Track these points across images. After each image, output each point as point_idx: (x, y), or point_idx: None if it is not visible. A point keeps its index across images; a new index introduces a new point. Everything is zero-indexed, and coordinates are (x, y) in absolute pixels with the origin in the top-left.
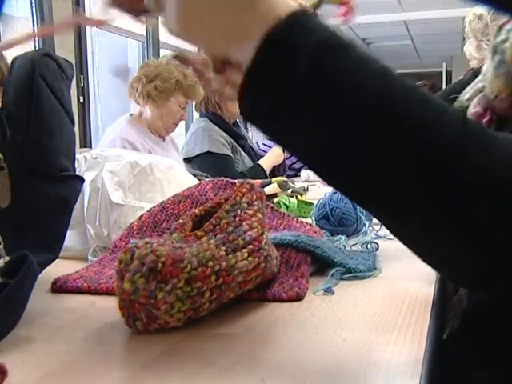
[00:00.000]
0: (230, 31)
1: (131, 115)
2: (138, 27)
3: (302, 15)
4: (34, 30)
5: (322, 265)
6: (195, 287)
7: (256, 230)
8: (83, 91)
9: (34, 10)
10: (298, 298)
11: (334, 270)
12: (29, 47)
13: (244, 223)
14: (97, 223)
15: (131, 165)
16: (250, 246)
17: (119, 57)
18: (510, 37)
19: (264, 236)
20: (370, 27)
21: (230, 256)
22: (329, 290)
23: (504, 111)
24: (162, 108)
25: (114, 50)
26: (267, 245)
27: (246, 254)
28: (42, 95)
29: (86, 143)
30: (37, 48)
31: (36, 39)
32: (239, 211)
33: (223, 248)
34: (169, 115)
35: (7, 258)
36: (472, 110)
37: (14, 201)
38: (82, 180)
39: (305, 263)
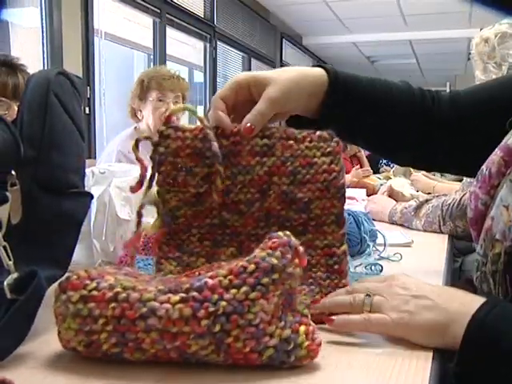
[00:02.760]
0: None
1: (135, 128)
2: (145, 39)
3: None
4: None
5: None
6: (87, 307)
7: (216, 277)
8: (89, 102)
9: (43, 20)
10: None
11: None
12: (38, 59)
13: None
14: (103, 238)
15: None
16: (193, 293)
17: (125, 68)
18: None
19: (231, 291)
20: (376, 45)
21: (151, 294)
22: None
23: None
24: (145, 111)
25: (120, 62)
26: (232, 304)
27: (177, 298)
28: (55, 113)
29: (91, 154)
30: (45, 58)
31: (44, 50)
32: None
33: (160, 286)
34: (154, 113)
35: (16, 275)
36: None
37: (24, 216)
38: (91, 196)
39: None
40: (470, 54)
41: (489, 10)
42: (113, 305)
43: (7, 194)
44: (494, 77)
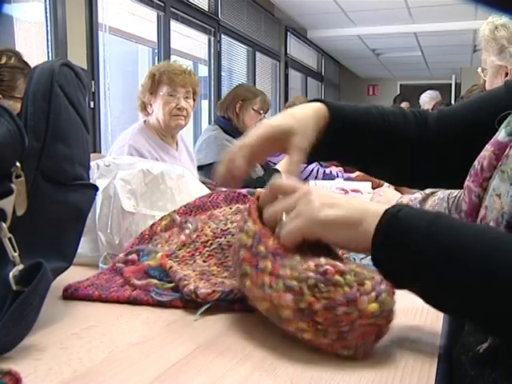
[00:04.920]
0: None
1: (145, 122)
2: (149, 33)
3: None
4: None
5: None
6: None
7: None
8: (94, 96)
9: (47, 15)
10: None
11: None
12: (43, 53)
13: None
14: (108, 231)
15: (143, 173)
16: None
17: (130, 63)
18: None
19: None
20: (380, 38)
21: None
22: None
23: None
24: (155, 105)
25: (125, 56)
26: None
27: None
28: (59, 104)
29: (96, 148)
30: (50, 52)
31: (48, 44)
32: None
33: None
34: (165, 108)
35: (21, 266)
36: None
37: (29, 208)
38: (96, 188)
39: None
40: (475, 46)
41: (491, 10)
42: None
43: (12, 185)
44: None
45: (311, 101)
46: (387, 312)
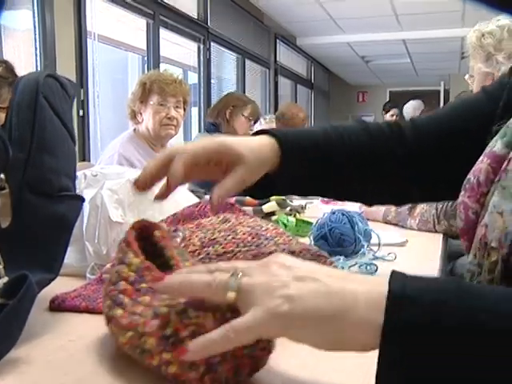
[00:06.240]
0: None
1: (135, 130)
2: (139, 41)
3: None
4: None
5: None
6: None
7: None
8: (83, 105)
9: (36, 23)
10: None
11: None
12: (31, 62)
13: None
14: (96, 241)
15: (131, 183)
16: None
17: (119, 70)
18: None
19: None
20: (369, 45)
21: None
22: None
23: None
24: (145, 114)
25: (114, 64)
26: None
27: None
28: (44, 116)
29: (85, 157)
30: (38, 60)
31: (37, 52)
32: None
33: None
34: (155, 117)
35: (6, 279)
36: None
37: (14, 220)
38: (83, 199)
39: None
40: (463, 53)
41: (483, 7)
42: None
43: None
44: (503, 68)
45: (264, 132)
46: (265, 342)
